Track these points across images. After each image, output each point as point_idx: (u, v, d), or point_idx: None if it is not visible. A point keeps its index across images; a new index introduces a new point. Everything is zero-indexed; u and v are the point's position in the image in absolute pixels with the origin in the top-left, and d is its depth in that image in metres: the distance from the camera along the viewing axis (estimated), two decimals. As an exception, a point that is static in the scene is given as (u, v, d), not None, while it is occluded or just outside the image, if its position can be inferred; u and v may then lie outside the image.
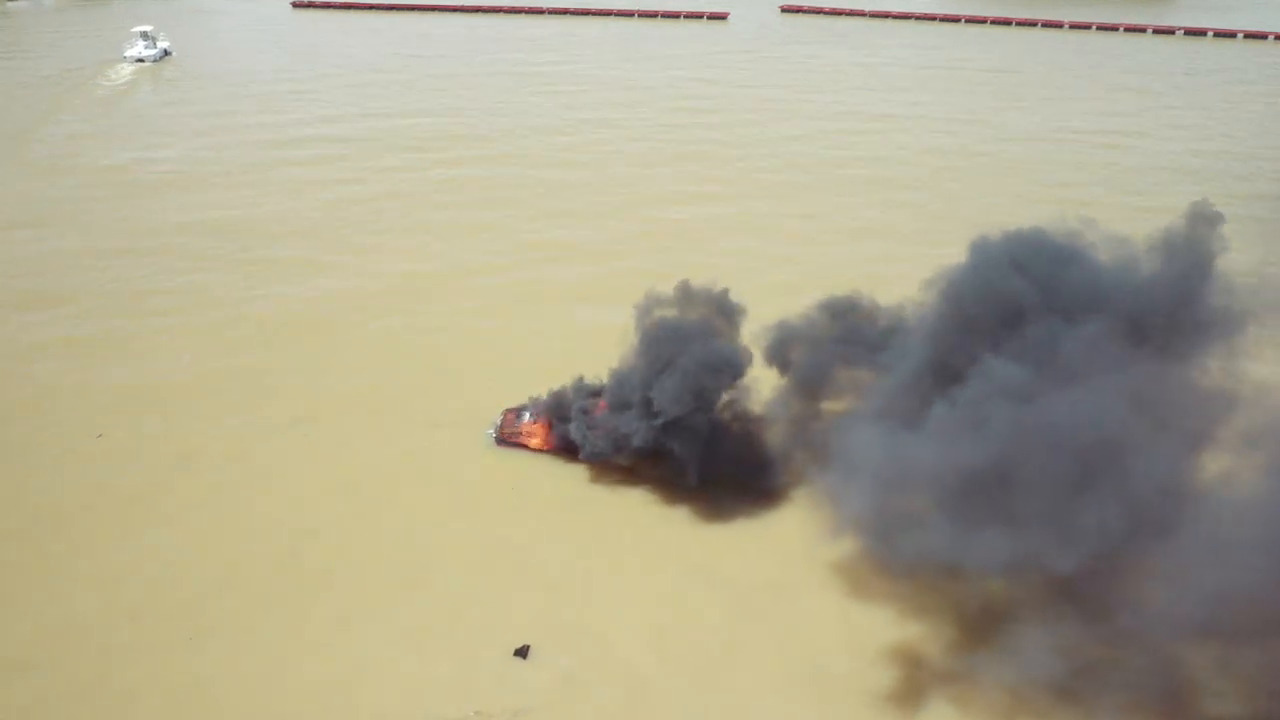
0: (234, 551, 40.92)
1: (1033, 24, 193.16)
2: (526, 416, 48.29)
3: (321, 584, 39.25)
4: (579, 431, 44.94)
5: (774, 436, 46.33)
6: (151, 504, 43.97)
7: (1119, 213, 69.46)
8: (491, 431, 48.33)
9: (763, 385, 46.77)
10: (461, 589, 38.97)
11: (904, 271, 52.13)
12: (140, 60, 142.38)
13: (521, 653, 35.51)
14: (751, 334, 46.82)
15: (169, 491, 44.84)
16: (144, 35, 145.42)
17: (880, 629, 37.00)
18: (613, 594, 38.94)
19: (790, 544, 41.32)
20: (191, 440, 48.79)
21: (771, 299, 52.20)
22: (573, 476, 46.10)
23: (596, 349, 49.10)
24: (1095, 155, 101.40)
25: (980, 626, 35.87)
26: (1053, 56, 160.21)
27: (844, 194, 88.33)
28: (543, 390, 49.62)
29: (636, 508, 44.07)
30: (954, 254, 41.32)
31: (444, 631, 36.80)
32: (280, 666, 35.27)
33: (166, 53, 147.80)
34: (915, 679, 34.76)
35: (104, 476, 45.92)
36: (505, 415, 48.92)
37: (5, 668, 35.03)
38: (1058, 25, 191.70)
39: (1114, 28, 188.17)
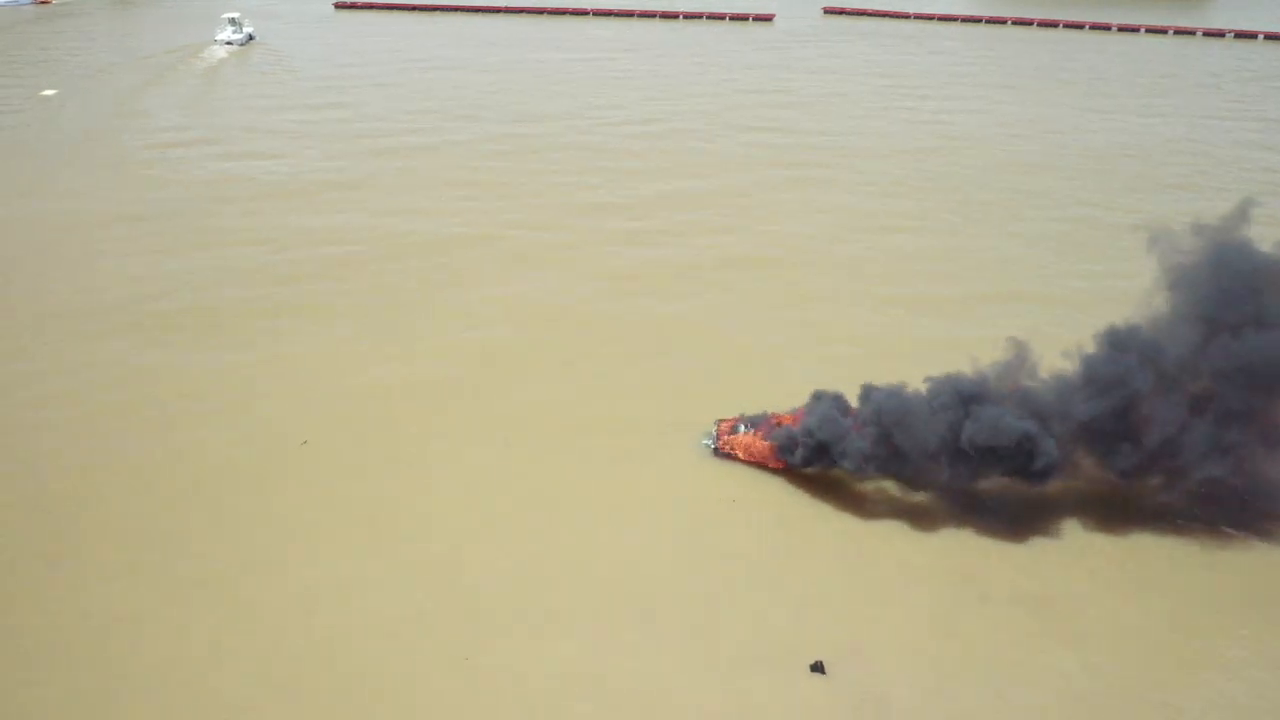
0: (462, 567, 41.00)
1: (1079, 26, 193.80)
2: (742, 429, 48.24)
3: (553, 606, 38.92)
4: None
5: None
6: (353, 512, 44.06)
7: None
8: (708, 442, 48.32)
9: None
10: (718, 606, 38.95)
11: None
12: (229, 44, 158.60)
13: (818, 668, 35.52)
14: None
15: (370, 500, 44.88)
16: (232, 21, 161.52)
17: (1166, 638, 37.23)
18: (873, 611, 38.89)
19: (1048, 552, 41.65)
20: (395, 451, 48.79)
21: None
22: (799, 490, 45.93)
23: (764, 362, 48.17)
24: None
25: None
26: (1112, 59, 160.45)
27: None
28: (746, 403, 49.90)
29: (875, 522, 44.08)
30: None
31: (724, 650, 36.78)
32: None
33: (251, 37, 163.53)
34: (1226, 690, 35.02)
35: (309, 483, 45.95)
36: (719, 425, 48.92)
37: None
38: (1105, 28, 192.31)
39: (1163, 30, 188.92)
